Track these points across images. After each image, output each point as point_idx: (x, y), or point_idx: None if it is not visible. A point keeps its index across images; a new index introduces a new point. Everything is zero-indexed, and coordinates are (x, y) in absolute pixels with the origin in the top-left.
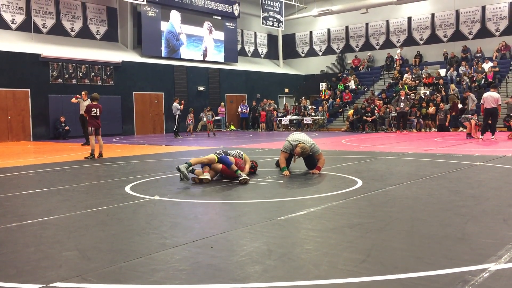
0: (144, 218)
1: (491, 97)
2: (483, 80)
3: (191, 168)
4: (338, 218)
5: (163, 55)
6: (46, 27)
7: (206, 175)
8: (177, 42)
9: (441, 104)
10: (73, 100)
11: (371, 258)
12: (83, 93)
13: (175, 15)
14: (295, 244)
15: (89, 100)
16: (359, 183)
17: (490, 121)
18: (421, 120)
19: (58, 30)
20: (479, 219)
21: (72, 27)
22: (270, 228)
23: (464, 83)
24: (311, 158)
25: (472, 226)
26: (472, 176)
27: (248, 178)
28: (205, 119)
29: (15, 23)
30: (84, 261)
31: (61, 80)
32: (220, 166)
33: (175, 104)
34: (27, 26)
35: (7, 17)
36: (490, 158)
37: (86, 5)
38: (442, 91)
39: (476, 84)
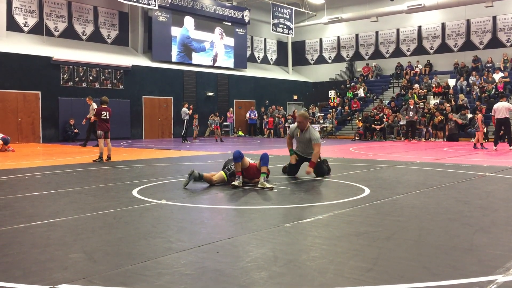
0: (150, 222)
1: (503, 107)
2: (494, 90)
3: (196, 175)
4: (345, 226)
5: (175, 60)
6: (58, 31)
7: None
8: (198, 46)
9: (450, 114)
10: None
11: (378, 267)
12: (87, 98)
13: (189, 20)
14: (301, 251)
15: (94, 104)
16: (367, 191)
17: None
18: (430, 129)
19: (69, 34)
20: (488, 230)
21: (84, 31)
22: (277, 235)
23: (474, 93)
24: (318, 165)
25: (480, 237)
26: (480, 187)
27: (272, 186)
28: (212, 125)
29: (28, 26)
30: (90, 264)
31: (71, 83)
32: (247, 163)
33: (184, 109)
34: (39, 29)
35: (20, 20)
36: (499, 168)
37: (98, 9)
38: (452, 100)
39: (486, 94)
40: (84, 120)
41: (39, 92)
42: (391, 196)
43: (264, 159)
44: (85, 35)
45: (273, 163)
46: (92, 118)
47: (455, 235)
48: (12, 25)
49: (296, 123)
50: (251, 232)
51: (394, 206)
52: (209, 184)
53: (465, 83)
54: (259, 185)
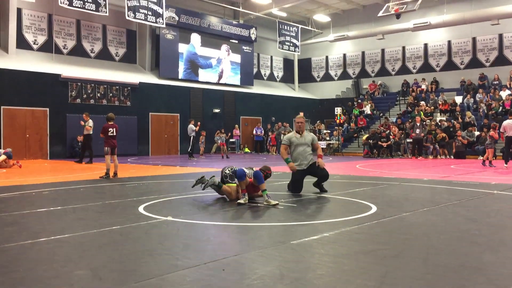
0: (156, 238)
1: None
2: (501, 108)
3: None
4: (351, 243)
5: (182, 77)
6: (66, 48)
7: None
8: (204, 62)
9: (459, 131)
10: (81, 123)
11: (385, 286)
12: (84, 114)
13: (195, 37)
14: (307, 269)
15: (90, 121)
16: (374, 208)
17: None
18: (437, 146)
19: (78, 51)
20: (496, 248)
21: (92, 49)
22: (283, 252)
23: (481, 110)
24: (316, 169)
25: (489, 255)
26: (489, 205)
27: (277, 202)
28: (219, 141)
29: (37, 44)
30: (96, 281)
31: (79, 100)
32: (248, 181)
33: (191, 126)
34: (48, 47)
35: (29, 37)
36: (508, 186)
37: (107, 27)
38: (459, 118)
39: (493, 112)
40: (82, 136)
41: (47, 109)
42: (398, 214)
43: (258, 177)
44: (94, 52)
45: (279, 180)
46: (81, 137)
47: (463, 254)
48: (22, 43)
49: (295, 126)
50: (257, 250)
51: (401, 224)
52: (228, 199)
53: (472, 100)
54: (264, 203)
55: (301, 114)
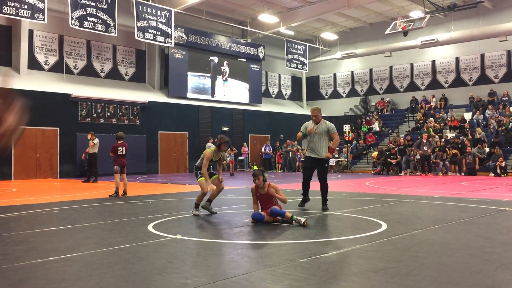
0: (166, 257)
1: None
2: (511, 124)
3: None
4: (362, 261)
5: (188, 95)
6: (77, 68)
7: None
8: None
9: (468, 147)
10: (92, 143)
11: None
12: (89, 134)
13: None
14: (318, 287)
15: (97, 139)
16: (384, 226)
17: None
18: (447, 163)
19: (88, 71)
20: (510, 266)
21: (102, 68)
22: (293, 270)
23: (491, 126)
24: (319, 163)
25: (502, 273)
26: (501, 222)
27: (306, 219)
28: (228, 159)
29: (48, 64)
30: None
31: (89, 119)
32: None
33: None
34: (59, 67)
35: (41, 58)
36: None
37: (116, 48)
38: (469, 134)
39: (503, 128)
40: (84, 153)
41: (58, 128)
42: (409, 231)
43: (279, 213)
44: (104, 72)
45: (289, 198)
46: (84, 154)
47: (476, 272)
48: (33, 64)
49: (312, 117)
50: (266, 268)
51: (412, 242)
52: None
53: (481, 116)
54: (294, 223)
55: (315, 106)
